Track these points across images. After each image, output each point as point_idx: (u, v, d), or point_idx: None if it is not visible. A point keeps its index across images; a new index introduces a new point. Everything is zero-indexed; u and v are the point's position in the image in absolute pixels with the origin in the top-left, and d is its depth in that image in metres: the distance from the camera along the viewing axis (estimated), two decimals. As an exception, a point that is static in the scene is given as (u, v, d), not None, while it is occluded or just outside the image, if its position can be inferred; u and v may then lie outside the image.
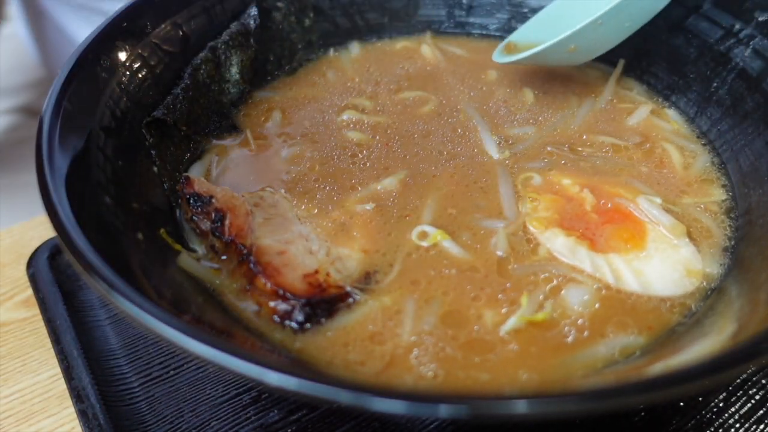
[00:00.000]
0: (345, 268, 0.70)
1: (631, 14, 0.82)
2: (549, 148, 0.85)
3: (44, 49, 1.61)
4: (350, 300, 0.67)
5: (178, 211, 0.77)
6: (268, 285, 0.66)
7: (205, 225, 0.73)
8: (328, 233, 0.74)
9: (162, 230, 0.71)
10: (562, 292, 0.68)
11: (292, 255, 0.70)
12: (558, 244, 0.71)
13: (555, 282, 0.69)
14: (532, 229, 0.74)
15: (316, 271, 0.68)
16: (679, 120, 0.91)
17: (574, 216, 0.75)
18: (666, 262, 0.70)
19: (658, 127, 0.89)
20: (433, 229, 0.73)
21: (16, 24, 1.64)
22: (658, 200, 0.76)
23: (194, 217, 0.74)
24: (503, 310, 0.66)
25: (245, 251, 0.69)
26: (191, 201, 0.74)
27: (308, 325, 0.65)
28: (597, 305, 0.67)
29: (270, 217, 0.74)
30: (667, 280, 0.69)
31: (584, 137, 0.88)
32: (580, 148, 0.86)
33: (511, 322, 0.64)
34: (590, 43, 0.84)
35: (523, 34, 0.96)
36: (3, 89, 1.51)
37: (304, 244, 0.72)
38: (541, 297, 0.67)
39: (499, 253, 0.71)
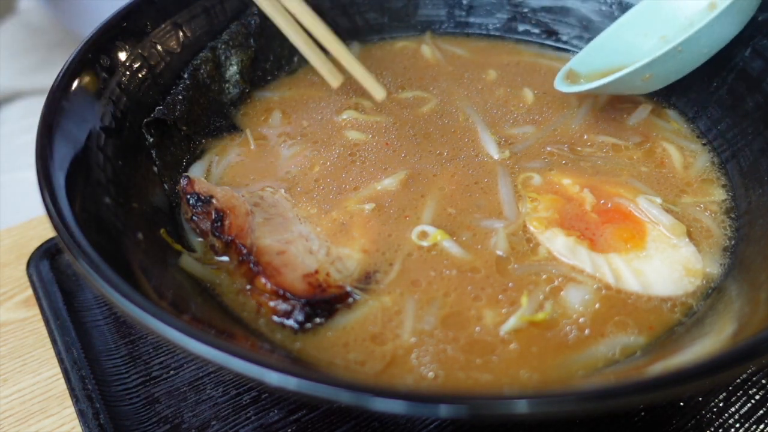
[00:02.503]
0: (345, 268, 0.70)
1: (710, 40, 0.79)
2: (549, 148, 0.85)
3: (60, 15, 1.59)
4: (350, 300, 0.67)
5: (178, 211, 0.78)
6: (268, 285, 0.66)
7: (205, 225, 0.73)
8: (328, 233, 0.74)
9: (162, 230, 0.71)
10: (563, 292, 0.68)
11: (292, 255, 0.70)
12: (558, 243, 0.71)
13: (555, 282, 0.68)
14: (532, 229, 0.74)
15: (316, 271, 0.68)
16: (679, 120, 0.91)
17: (574, 216, 0.75)
18: (666, 261, 0.70)
19: (658, 127, 0.89)
20: (434, 229, 0.73)
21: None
22: (658, 200, 0.76)
23: (194, 217, 0.74)
24: (504, 311, 0.66)
25: (245, 251, 0.69)
26: (191, 201, 0.74)
27: (308, 324, 0.65)
28: (597, 305, 0.67)
29: (270, 217, 0.74)
30: (667, 280, 0.69)
31: (584, 137, 0.88)
32: (579, 148, 0.86)
33: (512, 322, 0.64)
34: (666, 70, 0.82)
35: (582, 60, 0.93)
36: (21, 70, 1.51)
37: (304, 244, 0.72)
38: (541, 297, 0.67)
39: (500, 253, 0.71)
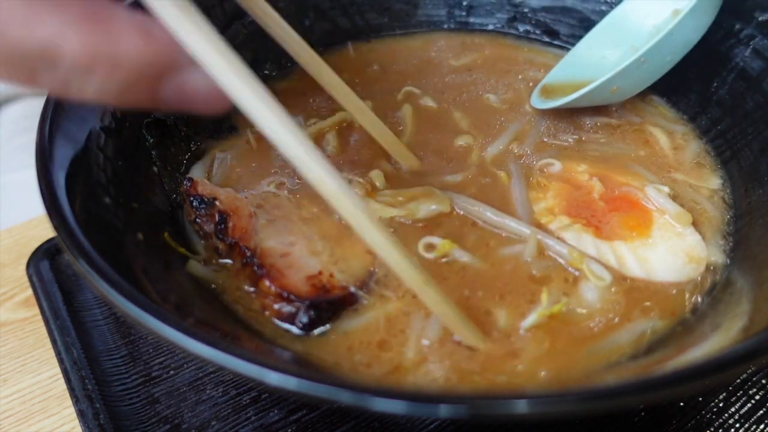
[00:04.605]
0: (349, 269, 0.69)
1: (672, 48, 0.82)
2: (552, 140, 0.86)
3: None
4: (355, 301, 0.67)
5: (179, 211, 0.77)
6: (272, 287, 0.66)
7: (209, 227, 0.72)
8: (332, 233, 0.73)
9: (165, 233, 0.71)
10: (580, 284, 0.68)
11: (296, 257, 0.69)
12: (566, 233, 0.73)
13: (570, 277, 0.69)
14: (543, 221, 0.74)
15: (320, 273, 0.68)
16: (667, 109, 0.93)
17: (581, 203, 0.76)
18: (671, 249, 0.71)
19: (650, 112, 0.91)
20: (439, 240, 0.72)
21: None
22: (666, 189, 0.77)
23: (197, 219, 0.73)
24: (518, 310, 0.66)
25: (249, 253, 0.69)
26: (194, 203, 0.73)
27: (314, 332, 0.65)
28: (613, 294, 0.67)
29: (273, 219, 0.74)
30: (670, 267, 0.70)
31: (586, 124, 0.89)
32: (584, 137, 0.87)
33: (531, 319, 0.64)
34: (633, 81, 0.84)
35: (556, 76, 0.96)
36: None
37: (308, 245, 0.71)
38: (558, 291, 0.67)
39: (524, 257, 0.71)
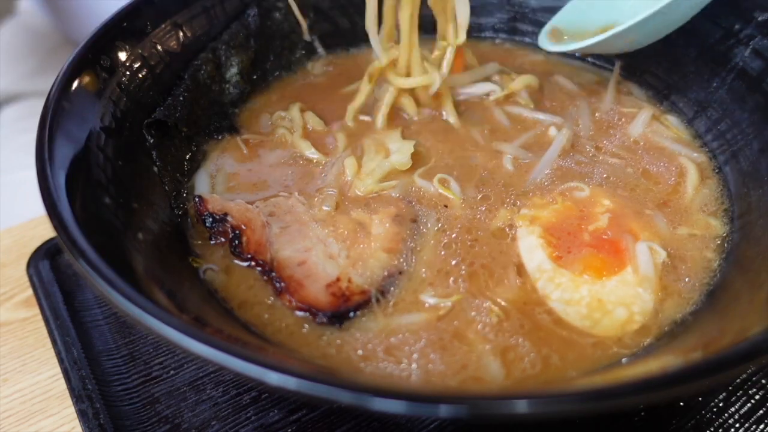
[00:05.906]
0: (367, 270, 0.69)
1: (692, 2, 0.79)
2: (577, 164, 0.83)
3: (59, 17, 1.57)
4: (373, 302, 0.66)
5: (178, 212, 0.77)
6: (293, 302, 0.65)
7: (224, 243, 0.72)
8: (346, 232, 0.73)
9: (191, 258, 0.71)
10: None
11: (313, 264, 0.69)
12: (526, 242, 0.72)
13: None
14: (519, 223, 0.74)
15: (338, 279, 0.67)
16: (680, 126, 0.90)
17: (568, 230, 0.73)
18: (613, 300, 0.67)
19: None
20: (437, 300, 0.68)
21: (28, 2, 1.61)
22: (663, 253, 0.70)
23: (212, 238, 0.73)
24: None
25: (267, 268, 0.68)
26: (207, 222, 0.73)
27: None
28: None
29: (287, 225, 0.73)
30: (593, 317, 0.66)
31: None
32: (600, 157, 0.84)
33: None
34: (648, 32, 0.81)
35: (565, 18, 0.91)
36: (22, 73, 1.50)
37: (323, 249, 0.70)
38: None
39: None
